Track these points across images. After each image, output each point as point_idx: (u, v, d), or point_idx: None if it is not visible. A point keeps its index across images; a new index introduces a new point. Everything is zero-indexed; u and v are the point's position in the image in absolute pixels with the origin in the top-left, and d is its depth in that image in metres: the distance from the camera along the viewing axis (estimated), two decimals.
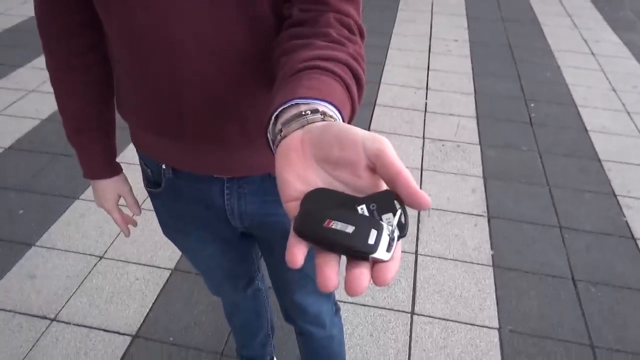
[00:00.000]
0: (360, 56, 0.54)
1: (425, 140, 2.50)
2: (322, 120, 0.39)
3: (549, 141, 2.53)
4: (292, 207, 0.35)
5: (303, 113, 0.40)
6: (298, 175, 0.36)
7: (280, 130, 0.40)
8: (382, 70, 3.16)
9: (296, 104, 0.41)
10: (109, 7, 0.65)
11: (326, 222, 0.32)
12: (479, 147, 2.46)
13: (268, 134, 0.43)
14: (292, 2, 0.59)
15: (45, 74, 2.99)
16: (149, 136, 0.80)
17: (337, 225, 0.32)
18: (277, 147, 0.40)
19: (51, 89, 2.72)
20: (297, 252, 0.32)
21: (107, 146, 0.89)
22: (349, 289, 0.30)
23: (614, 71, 3.27)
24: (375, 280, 0.31)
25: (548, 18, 4.10)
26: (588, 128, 2.65)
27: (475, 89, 2.98)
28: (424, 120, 2.67)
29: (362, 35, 0.58)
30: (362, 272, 0.30)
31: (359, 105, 0.51)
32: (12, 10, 3.92)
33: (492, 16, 4.09)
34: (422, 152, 2.41)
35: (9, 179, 2.20)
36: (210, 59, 0.64)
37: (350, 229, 0.31)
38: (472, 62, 3.32)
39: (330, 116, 0.41)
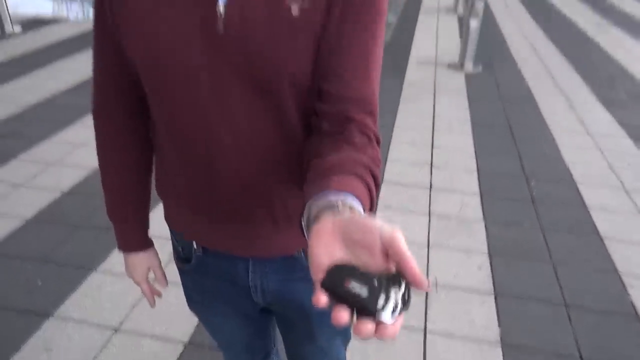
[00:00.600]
0: (378, 160, 0.67)
1: (431, 216, 2.59)
2: (349, 211, 0.51)
3: (551, 218, 2.61)
4: (320, 276, 0.44)
5: (335, 204, 0.52)
6: (327, 251, 0.45)
7: (316, 216, 0.51)
8: (389, 147, 3.31)
9: (329, 196, 0.54)
10: (160, 103, 0.77)
11: (346, 282, 0.41)
12: (483, 223, 2.55)
13: (303, 219, 0.55)
14: (321, 117, 0.71)
15: (66, 148, 3.15)
16: (183, 216, 0.90)
17: (354, 287, 0.41)
18: (310, 229, 0.50)
19: (70, 162, 2.88)
20: (322, 296, 0.42)
21: (143, 222, 0.99)
22: (357, 331, 0.40)
23: (610, 149, 3.41)
24: (377, 334, 0.41)
25: (544, 98, 4.31)
26: (588, 205, 2.74)
27: (478, 167, 3.11)
28: (429, 196, 2.77)
29: (378, 143, 0.70)
30: (368, 324, 0.40)
31: (376, 200, 0.63)
32: (38, 86, 4.16)
33: (492, 96, 4.31)
34: (428, 228, 2.49)
35: (29, 250, 2.28)
36: (245, 154, 0.76)
37: (364, 292, 0.40)
38: (474, 141, 3.47)
39: (355, 208, 0.52)
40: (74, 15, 6.99)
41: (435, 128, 3.65)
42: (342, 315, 0.41)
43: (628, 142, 3.53)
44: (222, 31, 0.67)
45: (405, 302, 0.42)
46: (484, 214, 2.63)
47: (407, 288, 0.42)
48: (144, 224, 1.00)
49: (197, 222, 0.88)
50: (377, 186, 0.64)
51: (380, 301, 0.40)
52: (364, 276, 0.42)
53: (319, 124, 0.71)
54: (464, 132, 3.62)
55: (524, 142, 3.47)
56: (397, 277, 0.42)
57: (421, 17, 6.86)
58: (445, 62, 5.12)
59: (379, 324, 0.40)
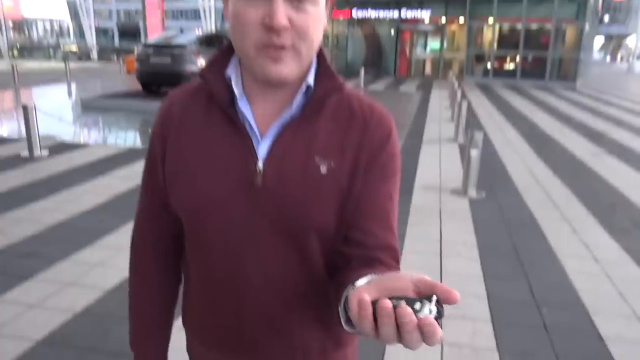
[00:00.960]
0: None
1: (444, 345, 2.55)
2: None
3: (566, 349, 2.57)
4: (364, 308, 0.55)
5: (369, 276, 0.64)
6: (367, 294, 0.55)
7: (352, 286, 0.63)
8: None
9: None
10: (197, 246, 0.87)
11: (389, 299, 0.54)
12: (497, 353, 2.50)
13: (339, 305, 0.67)
14: (349, 258, 0.80)
15: (82, 268, 3.22)
16: (205, 349, 0.95)
17: (394, 301, 0.53)
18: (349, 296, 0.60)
19: (85, 283, 2.93)
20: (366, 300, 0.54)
21: (164, 350, 1.04)
22: (401, 314, 0.52)
23: (618, 276, 3.43)
24: (421, 330, 0.52)
25: (549, 223, 4.42)
26: (603, 335, 2.70)
27: (487, 293, 3.12)
28: (440, 324, 2.75)
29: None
30: (411, 313, 0.51)
31: None
32: (60, 207, 4.35)
33: (496, 222, 4.43)
34: (441, 357, 2.45)
35: None
36: (273, 294, 0.84)
37: (402, 303, 0.53)
38: (481, 265, 3.52)
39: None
40: (93, 141, 7.47)
41: (442, 253, 3.72)
42: (387, 303, 0.53)
43: (635, 269, 3.56)
44: (260, 185, 0.79)
45: (438, 310, 0.53)
46: (497, 343, 2.59)
47: (438, 302, 0.54)
48: (165, 352, 1.04)
49: (216, 358, 0.94)
50: None
51: (417, 304, 0.53)
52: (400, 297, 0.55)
53: (348, 263, 0.80)
54: (472, 257, 3.68)
55: (532, 268, 3.51)
56: (428, 296, 0.54)
57: (424, 146, 7.26)
58: (449, 188, 5.33)
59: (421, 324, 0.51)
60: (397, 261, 0.82)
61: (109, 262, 3.36)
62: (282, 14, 0.71)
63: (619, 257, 3.77)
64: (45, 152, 6.26)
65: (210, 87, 0.82)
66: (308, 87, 0.80)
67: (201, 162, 0.81)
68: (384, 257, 0.79)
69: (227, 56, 0.84)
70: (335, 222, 0.81)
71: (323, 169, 0.79)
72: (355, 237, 0.81)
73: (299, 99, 0.80)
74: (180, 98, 0.88)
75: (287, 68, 0.75)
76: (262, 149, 0.80)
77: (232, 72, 0.81)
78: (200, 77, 0.84)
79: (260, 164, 0.79)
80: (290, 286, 0.84)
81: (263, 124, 0.81)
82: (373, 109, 0.85)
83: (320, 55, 0.83)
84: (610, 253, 3.83)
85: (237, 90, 0.80)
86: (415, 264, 3.48)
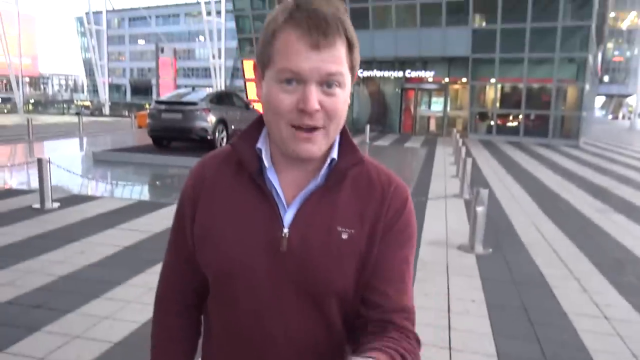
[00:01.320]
0: (412, 352, 0.82)
1: None
2: None
3: None
4: None
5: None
6: None
7: None
8: None
9: None
10: (223, 305, 0.92)
11: None
12: None
13: None
14: (365, 319, 0.87)
15: (91, 320, 3.23)
16: None
17: None
18: None
19: (92, 336, 2.93)
20: None
21: None
22: None
23: (630, 336, 3.38)
24: None
25: (557, 281, 4.39)
26: None
27: (497, 351, 3.08)
28: None
29: (418, 342, 0.86)
30: None
31: None
32: (70, 259, 4.39)
33: (504, 278, 4.42)
34: None
35: None
36: (294, 351, 0.90)
37: None
38: (490, 323, 3.48)
39: None
40: (104, 194, 7.59)
41: (451, 310, 3.69)
42: None
43: None
44: (285, 250, 0.86)
45: None
46: None
47: None
48: None
49: None
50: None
51: None
52: None
53: (364, 326, 0.87)
54: (480, 314, 3.65)
55: (541, 326, 3.47)
56: None
57: (430, 202, 7.32)
58: (455, 244, 5.34)
59: None
60: (412, 322, 0.88)
61: (116, 315, 3.36)
62: (315, 99, 0.80)
63: (629, 315, 3.73)
64: (56, 204, 6.36)
65: (241, 157, 0.90)
66: (332, 160, 0.88)
67: (230, 226, 0.88)
68: (399, 320, 0.86)
69: (257, 129, 0.93)
70: (354, 286, 0.88)
71: (344, 236, 0.87)
72: (372, 299, 0.87)
73: (323, 172, 0.88)
74: (212, 163, 0.95)
75: (317, 147, 0.84)
76: (288, 217, 0.87)
77: (263, 145, 0.90)
78: (232, 146, 0.92)
79: (286, 231, 0.86)
80: (310, 345, 0.90)
81: (289, 193, 0.89)
82: (391, 180, 0.93)
83: (343, 130, 0.91)
84: (620, 312, 3.79)
85: (266, 162, 0.88)
86: (423, 320, 3.46)
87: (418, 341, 0.86)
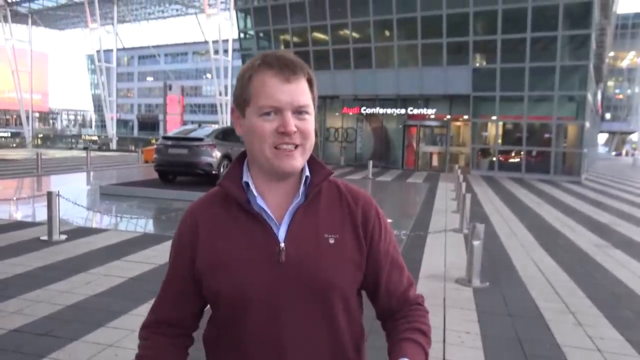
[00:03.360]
0: (428, 324, 1.14)
1: None
2: None
3: None
4: None
5: None
6: None
7: None
8: None
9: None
10: (232, 321, 1.06)
11: None
12: None
13: None
14: (378, 307, 1.16)
15: (95, 348, 3.33)
16: None
17: None
18: None
19: None
20: None
21: None
22: None
23: None
24: None
25: (552, 314, 4.46)
26: None
27: None
28: None
29: (423, 304, 1.19)
30: None
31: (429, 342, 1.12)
32: (76, 289, 4.52)
33: (500, 312, 4.49)
34: None
35: None
36: (305, 354, 1.04)
37: None
38: (485, 355, 3.56)
39: None
40: (109, 226, 7.74)
41: (446, 341, 3.77)
42: None
43: None
44: (284, 260, 1.03)
45: None
46: None
47: None
48: None
49: None
50: (430, 342, 1.12)
51: None
52: None
53: (391, 314, 1.16)
54: (475, 346, 3.72)
55: (535, 358, 3.54)
56: None
57: (430, 236, 7.42)
58: (453, 278, 5.43)
59: None
60: (414, 287, 1.17)
61: (120, 343, 3.46)
62: (292, 123, 1.01)
63: (623, 349, 3.79)
64: (63, 237, 6.51)
65: (230, 192, 1.07)
66: (306, 177, 1.08)
67: (235, 251, 1.05)
68: (412, 296, 1.15)
69: (236, 168, 1.11)
70: (352, 285, 1.08)
71: (331, 241, 1.07)
72: (380, 294, 1.14)
73: (302, 189, 1.07)
74: (199, 208, 1.12)
75: (297, 161, 1.04)
76: (281, 233, 1.05)
77: (248, 179, 1.08)
78: (220, 186, 1.09)
79: (282, 244, 1.04)
80: (320, 346, 1.05)
81: (277, 213, 1.07)
82: (354, 189, 1.16)
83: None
84: (614, 345, 3.85)
85: (255, 191, 1.06)
86: None
87: (423, 301, 1.18)
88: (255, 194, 1.06)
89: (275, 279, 1.03)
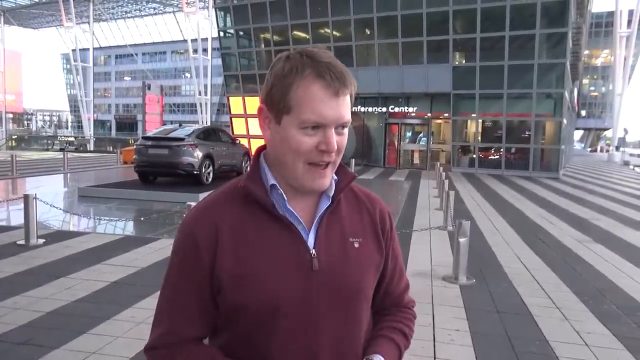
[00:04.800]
0: (412, 328, 1.16)
1: None
2: None
3: None
4: None
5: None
6: None
7: None
8: None
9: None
10: (261, 332, 0.97)
11: None
12: None
13: None
14: (376, 307, 1.15)
15: (77, 356, 3.22)
16: None
17: None
18: None
19: None
20: None
21: None
22: None
23: None
24: None
25: (539, 310, 4.49)
26: None
27: None
28: None
29: (413, 308, 1.22)
30: None
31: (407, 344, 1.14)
32: (56, 295, 4.38)
33: (487, 308, 4.50)
34: None
35: None
36: (337, 357, 1.01)
37: None
38: (474, 352, 3.55)
39: None
40: (88, 229, 7.56)
41: (435, 339, 3.75)
42: None
43: (627, 355, 3.60)
44: (317, 267, 0.98)
45: None
46: None
47: None
48: None
49: None
50: (407, 336, 1.14)
51: None
52: None
53: (381, 311, 1.16)
54: (465, 343, 3.71)
55: (524, 354, 3.54)
56: None
57: (415, 234, 7.43)
58: (440, 275, 5.43)
59: None
60: (405, 304, 1.19)
61: (103, 350, 3.36)
62: (334, 141, 0.94)
63: (609, 343, 3.82)
64: (41, 241, 6.33)
65: (256, 196, 0.98)
66: (335, 180, 1.02)
67: (264, 260, 0.96)
68: (405, 298, 1.19)
69: (257, 169, 1.03)
70: (373, 286, 1.08)
71: (356, 245, 1.03)
72: (383, 295, 1.15)
73: (332, 193, 1.02)
74: (215, 209, 0.99)
75: (328, 179, 0.99)
76: (310, 239, 0.99)
77: (274, 181, 0.99)
78: (245, 189, 0.99)
79: (313, 251, 0.98)
80: (349, 350, 1.02)
81: (304, 218, 1.00)
82: (369, 193, 1.13)
83: None
84: (600, 339, 3.89)
85: (285, 196, 0.99)
86: (409, 350, 3.49)
87: (413, 305, 1.21)
88: (285, 197, 0.99)
89: (308, 288, 0.97)
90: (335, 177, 1.03)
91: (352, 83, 0.96)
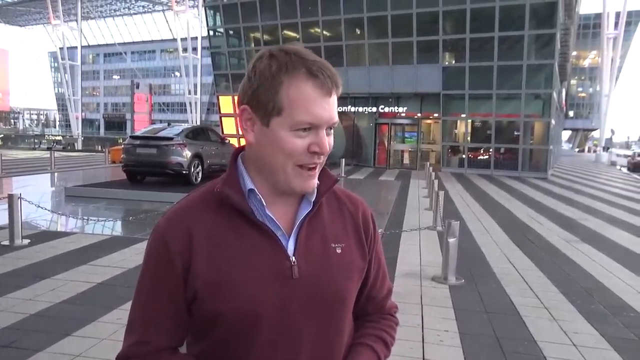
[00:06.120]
0: (393, 336, 1.13)
1: None
2: None
3: None
4: None
5: None
6: None
7: None
8: None
9: None
10: (239, 342, 0.93)
11: None
12: None
13: None
14: (359, 311, 1.11)
15: (61, 359, 3.16)
16: None
17: None
18: None
19: None
20: None
21: None
22: None
23: None
24: None
25: (528, 310, 4.50)
26: None
27: None
28: None
29: (396, 313, 1.18)
30: None
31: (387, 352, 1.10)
32: (40, 297, 4.31)
33: (476, 308, 4.50)
34: None
35: None
36: None
37: None
38: (463, 353, 3.54)
39: None
40: (75, 230, 7.47)
41: (425, 340, 3.74)
42: None
43: (614, 355, 3.62)
44: (297, 275, 0.94)
45: None
46: None
47: None
48: None
49: None
50: (388, 345, 1.10)
51: None
52: None
53: (364, 316, 1.13)
54: (454, 345, 3.70)
55: (513, 355, 3.54)
56: None
57: (404, 234, 7.43)
58: (429, 275, 5.42)
59: None
60: (388, 309, 1.16)
61: (88, 353, 3.30)
62: (327, 143, 0.92)
63: (597, 342, 3.84)
64: (26, 241, 6.24)
65: (232, 201, 0.94)
66: (317, 185, 0.98)
67: (239, 268, 0.92)
68: (387, 304, 1.16)
69: (234, 170, 0.98)
70: (356, 291, 1.04)
71: (338, 250, 0.99)
72: (365, 300, 1.11)
73: (313, 198, 0.98)
74: (189, 214, 0.95)
75: (315, 181, 0.96)
76: (290, 245, 0.95)
77: (252, 186, 0.95)
78: (221, 194, 0.94)
79: (293, 259, 0.94)
80: (329, 359, 0.99)
81: (283, 224, 0.96)
82: (350, 194, 1.10)
83: None
84: (588, 339, 3.90)
85: (264, 201, 0.94)
86: (398, 352, 3.48)
87: (396, 311, 1.18)
88: (264, 203, 0.95)
89: (288, 296, 0.93)
90: (317, 182, 0.98)
91: (340, 82, 0.93)
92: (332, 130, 0.94)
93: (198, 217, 0.95)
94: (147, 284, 0.97)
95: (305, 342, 0.95)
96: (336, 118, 0.93)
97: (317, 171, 0.95)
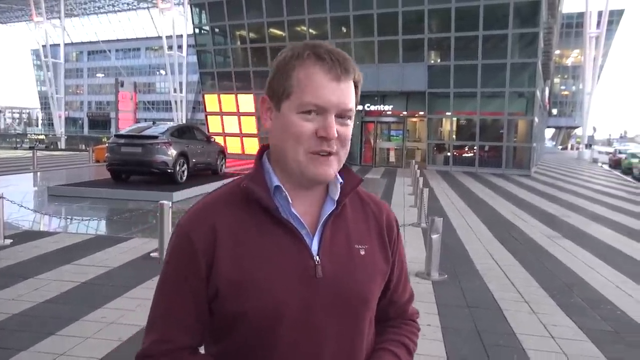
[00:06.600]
0: (415, 342, 1.10)
1: None
2: None
3: None
4: None
5: None
6: None
7: None
8: None
9: None
10: (262, 342, 0.91)
11: None
12: None
13: None
14: (381, 316, 1.09)
15: (45, 359, 3.15)
16: None
17: None
18: None
19: None
20: None
21: None
22: None
23: (574, 354, 3.57)
24: None
25: (508, 304, 4.58)
26: None
27: None
28: None
29: (417, 319, 1.17)
30: None
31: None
32: (23, 296, 4.28)
33: (458, 303, 4.58)
34: None
35: None
36: None
37: None
38: (445, 347, 3.61)
39: None
40: (59, 229, 7.41)
41: None
42: None
43: (590, 346, 3.71)
44: (321, 275, 0.93)
45: None
46: None
47: None
48: None
49: None
50: (411, 351, 1.07)
51: None
52: None
53: (386, 320, 1.11)
54: (436, 339, 3.77)
55: (493, 348, 3.62)
56: None
57: None
58: (413, 271, 5.49)
59: None
60: (411, 315, 1.15)
61: (72, 352, 3.30)
62: (334, 128, 0.90)
63: (574, 335, 3.94)
64: (8, 241, 6.17)
65: (258, 198, 0.94)
66: (340, 184, 0.99)
67: (264, 267, 0.91)
68: (409, 309, 1.15)
69: (260, 168, 0.99)
70: (378, 294, 1.03)
71: (362, 252, 0.99)
72: (388, 304, 1.10)
73: (337, 197, 0.98)
74: (214, 210, 0.95)
75: (332, 170, 0.93)
76: (314, 244, 0.95)
77: (278, 183, 0.95)
78: (246, 189, 0.94)
79: (317, 258, 0.94)
80: (349, 350, 0.98)
81: (307, 222, 0.96)
82: (374, 197, 1.11)
83: None
84: (566, 331, 4.00)
85: (290, 199, 0.94)
86: None
87: (418, 317, 1.17)
88: (290, 200, 0.94)
89: (312, 296, 0.92)
90: (341, 180, 0.98)
91: (355, 69, 0.93)
92: (348, 121, 0.93)
93: (222, 213, 0.94)
94: (169, 282, 0.96)
95: (326, 342, 0.94)
96: (349, 105, 0.92)
97: (334, 162, 0.93)
